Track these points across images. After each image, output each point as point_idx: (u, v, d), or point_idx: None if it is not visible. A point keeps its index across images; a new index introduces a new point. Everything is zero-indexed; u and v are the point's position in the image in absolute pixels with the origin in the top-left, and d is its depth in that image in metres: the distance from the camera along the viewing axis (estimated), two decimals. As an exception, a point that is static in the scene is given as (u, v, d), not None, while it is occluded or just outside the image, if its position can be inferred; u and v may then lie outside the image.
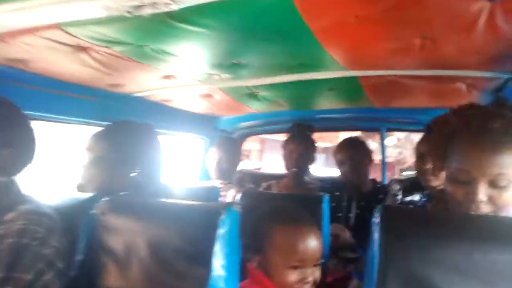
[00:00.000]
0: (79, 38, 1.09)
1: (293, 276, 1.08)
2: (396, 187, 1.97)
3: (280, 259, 1.09)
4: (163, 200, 1.45)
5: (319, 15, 0.90)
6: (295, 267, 1.08)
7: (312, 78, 1.52)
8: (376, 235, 0.81)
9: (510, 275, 0.69)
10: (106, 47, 1.17)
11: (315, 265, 1.12)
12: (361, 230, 2.00)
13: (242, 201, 1.86)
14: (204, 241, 0.98)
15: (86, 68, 1.36)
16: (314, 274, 1.11)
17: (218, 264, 0.97)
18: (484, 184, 0.92)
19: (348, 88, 1.75)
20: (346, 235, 1.96)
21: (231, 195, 2.25)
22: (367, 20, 0.91)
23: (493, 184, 0.92)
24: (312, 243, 1.11)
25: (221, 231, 0.99)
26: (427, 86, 1.57)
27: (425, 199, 1.73)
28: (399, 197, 1.91)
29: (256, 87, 1.77)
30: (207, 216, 1.03)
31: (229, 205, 1.04)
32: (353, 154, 2.06)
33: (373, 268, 0.79)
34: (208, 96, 1.94)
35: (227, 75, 1.54)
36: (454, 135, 1.03)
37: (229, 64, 1.36)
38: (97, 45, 1.16)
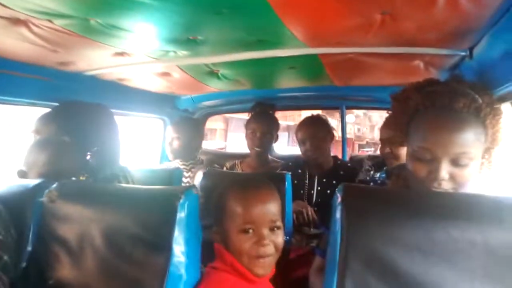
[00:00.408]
0: (13, 10, 0.98)
1: (245, 240, 0.99)
2: (369, 162, 2.01)
3: (231, 225, 1.01)
4: (117, 185, 1.39)
5: (278, -14, 0.86)
6: (245, 231, 0.99)
7: (272, 55, 1.48)
8: (337, 215, 0.80)
9: (470, 252, 0.71)
10: (47, 20, 1.07)
11: (272, 229, 1.01)
12: (323, 206, 2.05)
13: (204, 181, 1.83)
14: (163, 226, 0.95)
15: (29, 44, 1.25)
16: (272, 237, 1.00)
17: (178, 250, 0.94)
18: (446, 162, 0.93)
19: (309, 66, 1.73)
20: (309, 211, 1.99)
21: (199, 177, 2.21)
22: None
23: (455, 162, 0.93)
24: (263, 204, 1.01)
25: (181, 215, 0.96)
26: (386, 64, 1.58)
27: (383, 175, 1.77)
28: (371, 172, 1.95)
29: (215, 65, 1.71)
30: (165, 200, 0.99)
31: (188, 188, 1.01)
32: (314, 132, 2.07)
33: (335, 247, 0.79)
34: (166, 74, 1.85)
35: (184, 52, 1.47)
36: (417, 112, 1.03)
37: (185, 39, 1.29)
38: (36, 18, 1.05)
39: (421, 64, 1.57)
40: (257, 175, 1.98)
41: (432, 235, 0.73)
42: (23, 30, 1.12)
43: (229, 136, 13.81)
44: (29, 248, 1.08)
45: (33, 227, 1.09)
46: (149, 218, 0.98)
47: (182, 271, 0.94)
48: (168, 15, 1.06)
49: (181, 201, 0.96)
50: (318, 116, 2.18)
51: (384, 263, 0.75)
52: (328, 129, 2.13)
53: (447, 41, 1.26)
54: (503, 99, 1.22)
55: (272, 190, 1.08)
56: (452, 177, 0.94)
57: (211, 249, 1.06)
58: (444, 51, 1.34)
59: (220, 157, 2.78)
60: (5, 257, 0.98)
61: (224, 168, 2.43)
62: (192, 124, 2.37)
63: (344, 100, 2.55)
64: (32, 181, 1.17)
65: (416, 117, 1.03)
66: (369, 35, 1.16)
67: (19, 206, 1.10)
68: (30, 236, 1.09)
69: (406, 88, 1.11)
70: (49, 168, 1.33)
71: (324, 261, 1.27)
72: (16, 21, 1.07)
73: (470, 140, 0.93)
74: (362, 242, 0.77)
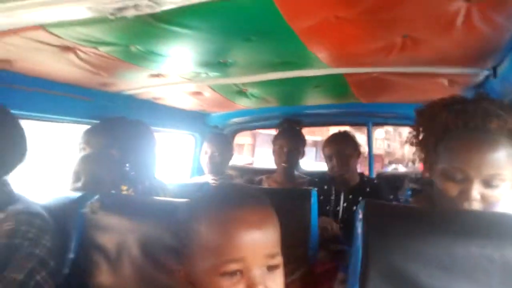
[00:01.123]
0: (64, 39, 1.10)
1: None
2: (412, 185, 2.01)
3: (205, 264, 0.68)
4: (153, 198, 1.48)
5: (300, 16, 0.93)
6: (229, 273, 0.67)
7: (297, 75, 1.55)
8: (359, 230, 0.84)
9: (488, 269, 0.73)
10: (92, 47, 1.18)
11: (269, 268, 0.69)
12: (349, 223, 2.05)
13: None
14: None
15: (74, 68, 1.38)
16: (269, 282, 0.68)
17: None
18: (478, 183, 0.93)
19: (334, 85, 1.78)
20: (334, 227, 2.00)
21: None
22: (347, 21, 0.93)
23: (487, 183, 0.93)
24: (256, 232, 0.68)
25: None
26: (410, 82, 1.61)
27: (409, 192, 1.78)
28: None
29: (244, 84, 1.80)
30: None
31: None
32: (341, 149, 2.09)
33: (356, 262, 0.82)
34: (198, 93, 1.96)
35: (215, 73, 1.57)
36: (447, 131, 1.03)
37: (215, 62, 1.38)
38: (83, 46, 1.17)
39: (445, 82, 1.58)
40: (284, 190, 2.02)
41: (452, 251, 0.76)
42: (71, 56, 1.25)
43: (256, 151, 13.92)
44: (71, 256, 1.17)
45: (75, 236, 1.18)
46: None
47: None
48: (201, 43, 1.15)
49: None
50: (345, 132, 2.20)
51: (405, 278, 0.78)
52: (355, 146, 2.14)
53: (469, 61, 1.28)
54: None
55: (267, 209, 0.75)
56: (483, 198, 0.94)
57: None
58: (466, 70, 1.36)
59: (248, 173, 2.84)
60: (52, 263, 1.08)
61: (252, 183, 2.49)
62: (225, 140, 2.49)
63: (370, 117, 2.56)
64: (76, 194, 1.28)
65: (446, 137, 1.03)
66: (390, 56, 1.20)
67: (63, 216, 1.20)
68: (73, 244, 1.18)
69: (431, 104, 1.11)
70: (96, 178, 1.45)
71: (347, 277, 1.30)
72: (64, 48, 1.19)
73: (502, 161, 0.93)
74: (382, 257, 0.80)
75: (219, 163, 2.41)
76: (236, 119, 2.71)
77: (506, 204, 1.04)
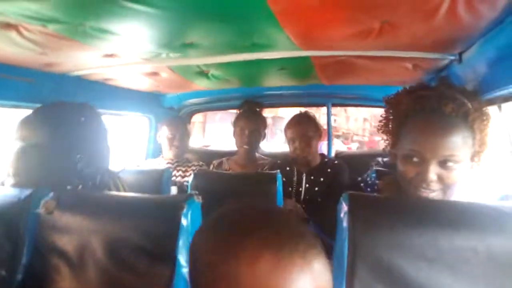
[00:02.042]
0: (6, 15, 0.94)
1: None
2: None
3: None
4: (117, 194, 1.36)
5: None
6: None
7: (265, 57, 1.48)
8: (344, 224, 0.82)
9: (472, 260, 0.74)
10: (40, 25, 1.02)
11: None
12: (311, 203, 2.08)
13: (194, 182, 1.82)
14: (167, 236, 0.94)
15: (16, 47, 1.20)
16: None
17: (184, 260, 0.94)
18: (434, 164, 0.97)
19: (299, 67, 1.74)
20: (298, 209, 2.01)
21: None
22: (330, 4, 0.88)
23: (443, 164, 0.97)
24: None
25: (184, 224, 0.95)
26: (376, 65, 1.61)
27: (374, 175, 1.81)
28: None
29: (207, 65, 1.70)
30: (168, 210, 0.98)
31: (190, 197, 1.00)
32: (304, 131, 2.09)
33: (342, 255, 0.81)
34: (154, 74, 1.82)
35: (176, 54, 1.45)
36: (407, 115, 1.07)
37: (179, 44, 1.27)
38: (29, 23, 1.01)
39: (410, 66, 1.60)
40: (248, 175, 1.98)
41: (437, 243, 0.76)
42: (13, 34, 1.08)
43: (207, 128, 13.70)
44: (24, 261, 1.05)
45: (28, 240, 1.06)
46: (152, 228, 0.97)
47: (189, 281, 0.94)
48: (166, 22, 1.04)
49: (184, 210, 0.96)
50: (307, 114, 2.19)
51: (391, 271, 0.78)
52: (318, 127, 2.15)
53: (439, 46, 1.29)
54: (490, 103, 1.27)
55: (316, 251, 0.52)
56: (440, 179, 0.98)
57: None
58: (435, 55, 1.38)
59: (206, 155, 2.76)
60: (2, 272, 0.96)
61: (211, 167, 2.42)
62: (184, 123, 2.41)
63: (331, 98, 2.58)
64: (24, 191, 1.13)
65: (406, 121, 1.07)
66: (366, 41, 1.18)
67: (11, 217, 1.07)
68: (25, 248, 1.05)
69: (398, 92, 1.14)
70: (37, 176, 1.28)
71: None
72: (6, 26, 1.03)
73: (458, 143, 0.97)
74: (369, 251, 0.80)
75: (179, 147, 2.33)
76: (193, 100, 2.60)
77: (465, 186, 1.09)
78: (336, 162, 2.25)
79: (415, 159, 1.00)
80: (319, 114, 2.88)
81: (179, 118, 2.51)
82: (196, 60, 1.57)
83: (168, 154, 2.36)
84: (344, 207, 0.84)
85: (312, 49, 1.38)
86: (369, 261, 0.79)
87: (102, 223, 1.01)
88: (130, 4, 0.91)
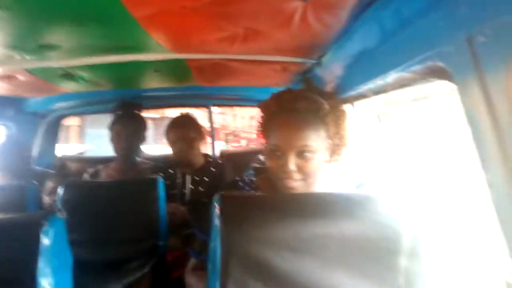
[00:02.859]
0: None
1: None
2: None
3: None
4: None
5: (143, 3, 0.84)
6: None
7: (135, 59, 1.43)
8: (216, 224, 0.84)
9: (328, 245, 0.83)
10: None
11: None
12: (197, 204, 2.08)
13: (65, 195, 1.67)
14: (25, 259, 0.85)
15: None
16: None
17: (46, 283, 0.85)
18: (292, 155, 1.08)
19: (175, 69, 1.72)
20: (182, 212, 2.00)
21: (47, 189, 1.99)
22: (192, 11, 0.89)
23: (300, 155, 1.08)
24: None
25: (45, 243, 0.87)
26: (249, 68, 1.68)
27: (251, 173, 1.89)
28: None
29: (72, 68, 1.56)
30: (25, 230, 0.88)
31: (51, 213, 0.92)
32: (186, 132, 2.07)
33: (215, 255, 0.83)
34: (10, 77, 1.60)
35: (33, 56, 1.30)
36: (272, 117, 1.18)
37: (34, 46, 1.14)
38: None
39: (279, 68, 1.72)
40: (127, 182, 1.89)
41: (299, 233, 0.83)
42: None
43: (87, 133, 12.56)
44: None
45: None
46: (8, 252, 0.86)
47: None
48: (11, 23, 0.92)
49: (45, 228, 0.88)
50: (188, 115, 2.18)
51: (260, 265, 0.82)
52: (199, 128, 2.15)
53: (300, 52, 1.41)
54: (345, 101, 1.44)
55: None
56: (300, 168, 1.09)
57: (85, 268, 0.99)
58: (298, 59, 1.50)
59: (79, 163, 2.54)
60: None
61: (86, 176, 2.23)
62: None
63: (210, 99, 2.61)
64: None
65: (271, 121, 1.18)
66: (233, 46, 1.22)
67: None
68: None
69: (269, 97, 1.24)
70: None
71: (198, 262, 1.32)
72: None
73: (311, 135, 1.09)
74: (240, 248, 0.83)
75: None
76: (61, 104, 2.35)
77: (327, 177, 1.23)
78: (219, 161, 2.30)
79: (277, 153, 1.10)
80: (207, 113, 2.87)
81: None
82: (59, 63, 1.43)
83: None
84: (216, 208, 0.86)
85: (184, 52, 1.37)
86: (240, 258, 0.82)
87: None
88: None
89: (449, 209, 1.28)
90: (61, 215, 0.94)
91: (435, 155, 1.60)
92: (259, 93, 2.25)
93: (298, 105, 1.12)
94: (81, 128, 12.54)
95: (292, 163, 1.07)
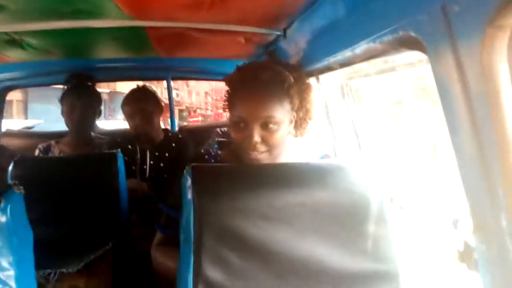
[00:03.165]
0: None
1: None
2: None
3: None
4: None
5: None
6: None
7: (92, 26, 1.33)
8: (189, 196, 0.83)
9: (301, 213, 0.85)
10: None
11: None
12: (157, 180, 2.04)
13: (13, 172, 1.56)
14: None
15: None
16: None
17: (5, 262, 0.80)
18: (257, 126, 1.07)
19: (134, 38, 1.63)
20: (144, 188, 1.95)
21: None
22: None
23: (265, 126, 1.07)
24: None
25: (3, 220, 0.81)
26: (213, 38, 1.63)
27: (216, 146, 1.87)
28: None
29: (18, 33, 1.43)
30: None
31: (7, 188, 0.85)
32: (144, 106, 1.99)
33: (188, 227, 0.82)
34: None
35: (-28, 17, 1.17)
36: (236, 88, 1.16)
37: None
38: None
39: (242, 40, 1.69)
40: (84, 157, 1.80)
41: (272, 202, 0.85)
42: None
43: (31, 108, 11.75)
44: None
45: None
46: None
47: (13, 285, 0.82)
48: None
49: (2, 205, 0.82)
50: (145, 88, 2.09)
51: (235, 235, 0.83)
52: (158, 102, 2.08)
53: (266, 22, 1.39)
54: (310, 74, 1.45)
55: None
56: (264, 140, 1.08)
57: (43, 248, 0.94)
58: (262, 30, 1.48)
59: (27, 138, 2.38)
60: None
61: (37, 152, 2.10)
62: None
63: (170, 71, 2.52)
64: None
65: (235, 93, 1.16)
66: (199, 14, 1.18)
67: None
68: None
69: (234, 70, 1.21)
70: None
71: (164, 237, 1.30)
72: None
73: (275, 106, 1.08)
74: (214, 219, 0.83)
75: None
76: (6, 75, 2.16)
77: (289, 149, 1.25)
78: (180, 136, 2.25)
79: (241, 125, 1.08)
80: (161, 88, 2.78)
81: None
82: (3, 27, 1.30)
83: None
84: (188, 180, 0.85)
85: (144, 19, 1.30)
86: (214, 229, 0.82)
87: None
88: None
89: (415, 173, 1.35)
90: (18, 190, 0.88)
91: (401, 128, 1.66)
92: (220, 66, 2.20)
93: (262, 76, 1.10)
94: (24, 103, 11.71)
95: (256, 135, 1.06)
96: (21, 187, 0.90)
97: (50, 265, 1.35)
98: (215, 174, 0.89)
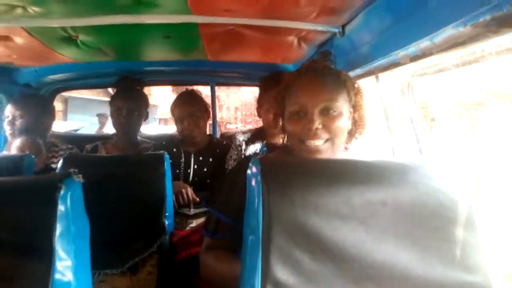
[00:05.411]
0: None
1: None
2: (240, 138, 2.02)
3: None
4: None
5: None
6: None
7: (148, 21, 1.32)
8: (256, 189, 0.76)
9: (384, 214, 0.76)
10: None
11: None
12: (201, 184, 2.00)
13: (63, 168, 1.55)
14: (40, 225, 0.75)
15: None
16: None
17: (63, 252, 0.76)
18: (317, 113, 1.04)
19: (186, 36, 1.61)
20: (188, 192, 1.91)
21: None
22: None
23: (325, 112, 1.05)
24: None
25: (62, 208, 0.77)
26: (263, 37, 1.59)
27: (265, 149, 1.81)
28: (243, 147, 1.96)
29: (75, 28, 1.43)
30: (40, 194, 0.78)
31: (68, 175, 0.82)
32: (193, 110, 1.98)
33: (257, 222, 0.75)
34: (5, 38, 1.46)
35: (36, 9, 1.17)
36: (290, 85, 1.14)
37: None
38: None
39: (295, 40, 1.64)
40: (133, 157, 1.78)
41: (350, 200, 0.76)
42: None
43: (70, 118, 12.21)
44: None
45: None
46: (21, 218, 0.76)
47: (70, 276, 0.77)
48: None
49: (62, 192, 0.78)
50: (194, 92, 2.08)
51: (307, 233, 0.75)
52: (206, 107, 2.07)
53: (322, 18, 1.32)
54: (370, 73, 1.37)
55: None
56: (325, 126, 1.05)
57: (92, 248, 0.89)
58: (318, 27, 1.41)
59: (76, 140, 2.41)
60: None
61: (85, 151, 2.11)
62: (38, 100, 1.98)
63: (214, 77, 2.50)
64: None
65: (289, 90, 1.14)
66: (255, 6, 1.14)
67: None
68: None
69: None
70: None
71: (213, 241, 1.23)
72: None
73: (333, 92, 1.07)
74: (285, 216, 0.75)
75: (32, 129, 1.87)
76: (56, 76, 2.20)
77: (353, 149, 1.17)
78: (224, 142, 2.21)
79: (300, 113, 1.06)
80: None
81: (30, 95, 2.03)
82: (62, 21, 1.31)
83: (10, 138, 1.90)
84: (255, 172, 0.78)
85: (201, 13, 1.27)
86: (285, 225, 0.75)
87: None
88: None
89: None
90: (77, 178, 0.84)
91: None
92: (265, 71, 2.16)
93: (319, 67, 1.11)
94: (64, 113, 12.22)
95: (317, 121, 1.04)
96: (80, 175, 0.86)
97: (94, 266, 1.32)
98: (286, 167, 0.81)
